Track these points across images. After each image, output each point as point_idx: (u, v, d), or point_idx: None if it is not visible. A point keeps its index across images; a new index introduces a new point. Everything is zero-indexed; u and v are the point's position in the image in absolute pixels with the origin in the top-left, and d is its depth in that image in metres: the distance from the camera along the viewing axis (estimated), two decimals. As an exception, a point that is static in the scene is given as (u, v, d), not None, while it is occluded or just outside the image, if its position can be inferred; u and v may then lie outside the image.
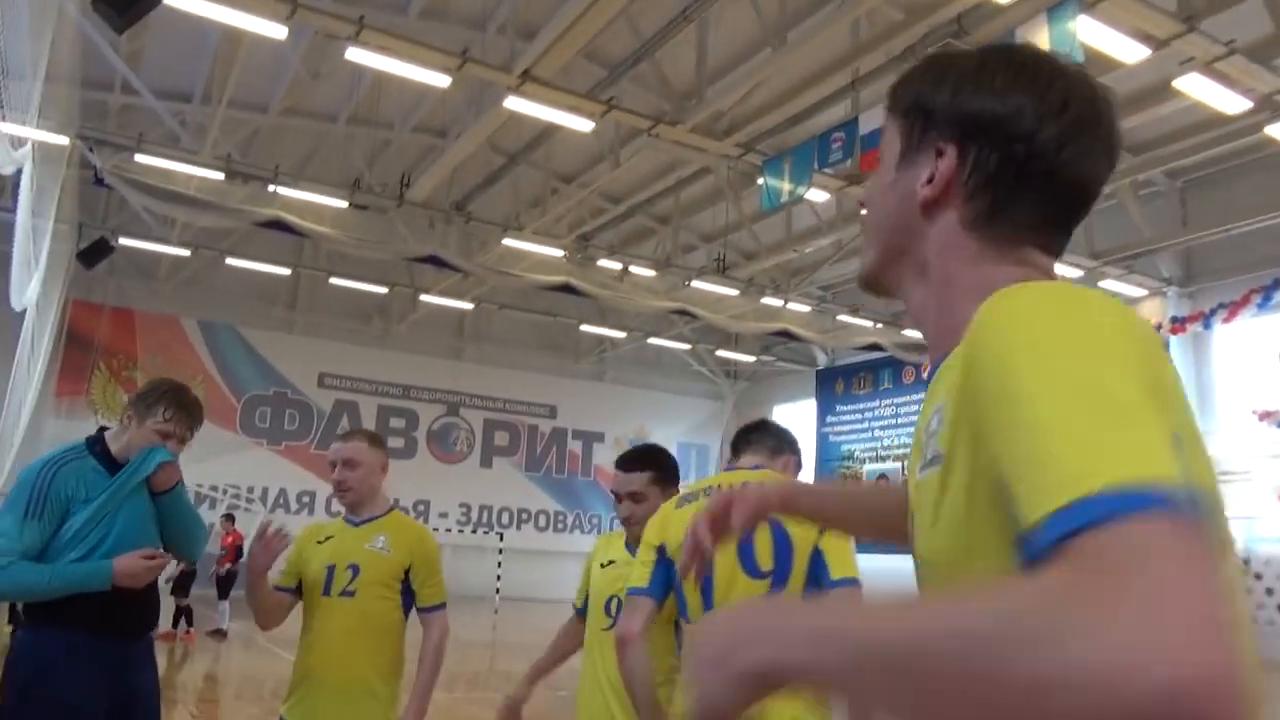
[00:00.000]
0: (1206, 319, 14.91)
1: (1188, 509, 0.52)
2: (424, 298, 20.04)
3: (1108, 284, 14.95)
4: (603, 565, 2.79)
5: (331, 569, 2.80)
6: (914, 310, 0.87)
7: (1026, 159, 0.78)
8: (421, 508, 23.29)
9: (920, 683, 0.53)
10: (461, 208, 15.96)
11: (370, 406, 22.70)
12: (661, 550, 2.24)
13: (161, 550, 2.75)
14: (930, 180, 0.80)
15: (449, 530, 22.85)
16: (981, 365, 0.66)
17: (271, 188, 13.41)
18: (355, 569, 2.78)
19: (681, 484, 2.73)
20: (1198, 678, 0.45)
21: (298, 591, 2.90)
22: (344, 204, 14.02)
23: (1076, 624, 0.48)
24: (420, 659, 2.83)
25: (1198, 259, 16.04)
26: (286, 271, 19.30)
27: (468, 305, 20.70)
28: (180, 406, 2.75)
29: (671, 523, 2.26)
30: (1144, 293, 15.70)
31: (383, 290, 19.92)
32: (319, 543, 2.90)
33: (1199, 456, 0.64)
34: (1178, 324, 15.41)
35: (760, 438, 3.06)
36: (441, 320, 23.02)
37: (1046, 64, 0.80)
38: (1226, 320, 14.72)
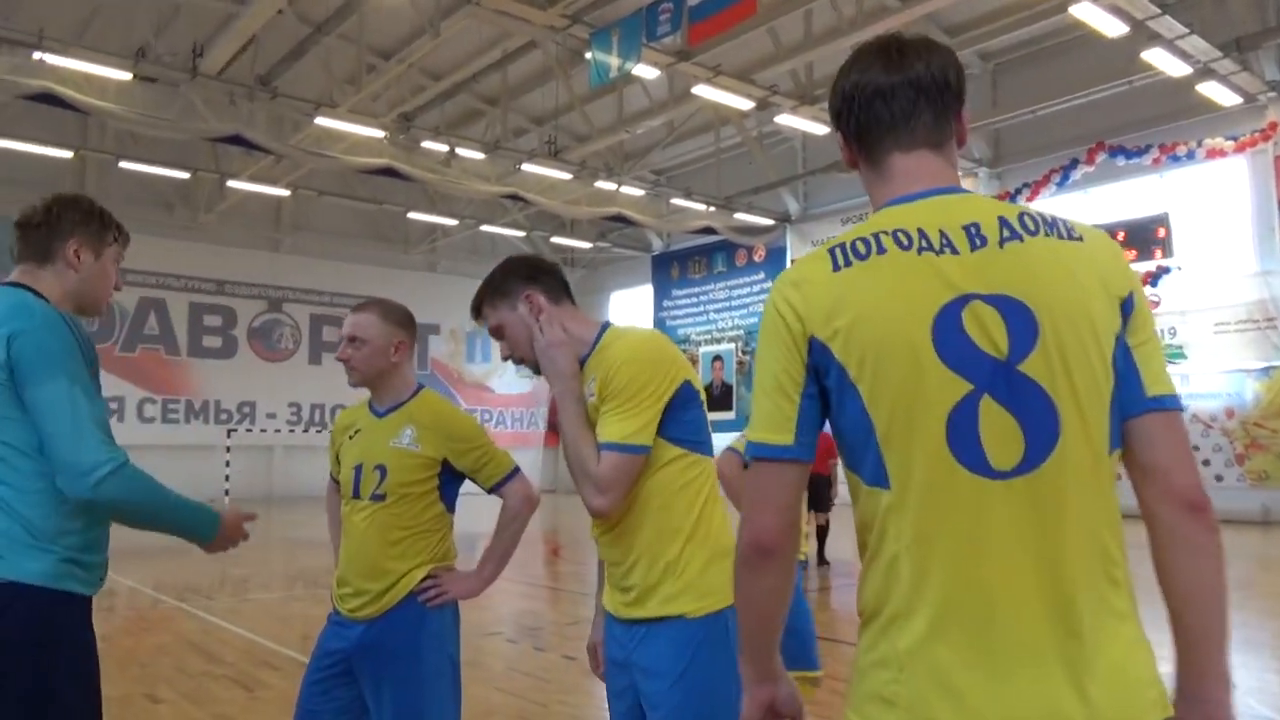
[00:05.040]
0: (1012, 198, 15.80)
1: None
2: (232, 183, 18.51)
3: (925, 165, 15.55)
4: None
5: (359, 470, 2.54)
6: None
7: None
8: (247, 409, 22.17)
9: None
10: (266, 83, 14.63)
11: (180, 303, 21.12)
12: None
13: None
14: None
15: (278, 431, 21.91)
16: None
17: (38, 55, 11.83)
18: (383, 470, 2.50)
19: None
20: None
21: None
22: (128, 75, 12.55)
23: None
24: (496, 529, 2.59)
25: (1005, 141, 16.94)
26: (68, 154, 17.35)
27: (283, 192, 19.31)
28: (116, 225, 2.19)
29: None
30: (959, 174, 16.46)
31: (184, 175, 18.26)
32: (350, 437, 2.65)
33: None
34: (987, 203, 16.27)
35: None
36: (255, 209, 21.46)
37: None
38: (1029, 199, 15.65)
